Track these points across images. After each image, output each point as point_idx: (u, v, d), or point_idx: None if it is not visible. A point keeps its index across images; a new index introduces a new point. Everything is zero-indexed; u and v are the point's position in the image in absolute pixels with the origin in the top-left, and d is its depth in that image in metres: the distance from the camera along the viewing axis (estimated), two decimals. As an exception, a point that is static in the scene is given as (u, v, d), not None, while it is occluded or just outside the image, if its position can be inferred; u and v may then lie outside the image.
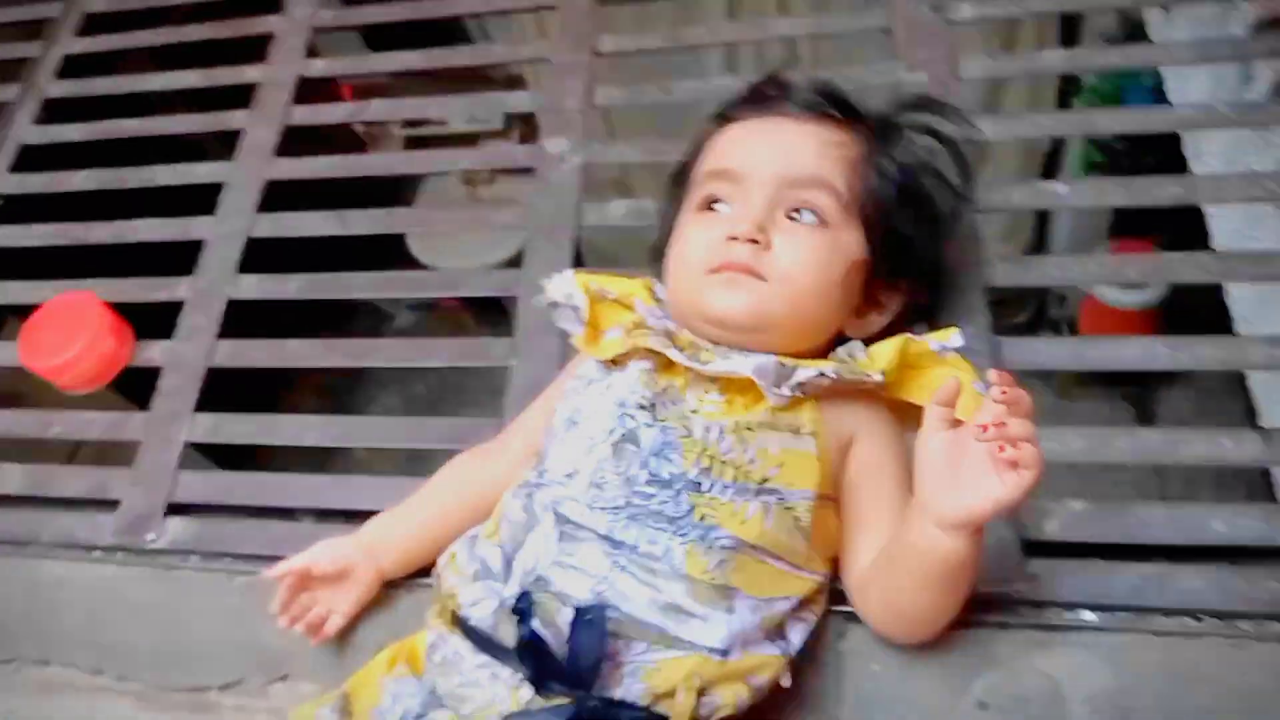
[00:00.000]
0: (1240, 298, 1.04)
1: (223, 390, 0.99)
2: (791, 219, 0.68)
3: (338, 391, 2.97)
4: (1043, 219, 2.40)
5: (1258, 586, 0.69)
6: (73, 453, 1.34)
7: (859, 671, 0.72)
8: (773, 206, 0.68)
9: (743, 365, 0.64)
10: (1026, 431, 0.54)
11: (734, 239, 0.67)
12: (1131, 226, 1.98)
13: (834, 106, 0.72)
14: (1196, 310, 1.30)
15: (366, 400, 2.92)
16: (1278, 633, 0.68)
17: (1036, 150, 2.20)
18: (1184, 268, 0.80)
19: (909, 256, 0.73)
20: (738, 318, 0.67)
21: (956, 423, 0.57)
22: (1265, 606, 0.68)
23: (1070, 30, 1.99)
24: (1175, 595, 0.69)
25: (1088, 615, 0.71)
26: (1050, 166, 2.24)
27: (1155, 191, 0.81)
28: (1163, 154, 1.22)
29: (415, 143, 2.58)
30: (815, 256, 0.67)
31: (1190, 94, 1.09)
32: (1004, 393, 0.54)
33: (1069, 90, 2.01)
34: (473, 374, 0.87)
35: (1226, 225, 1.02)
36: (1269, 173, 0.83)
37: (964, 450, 0.56)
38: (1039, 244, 2.45)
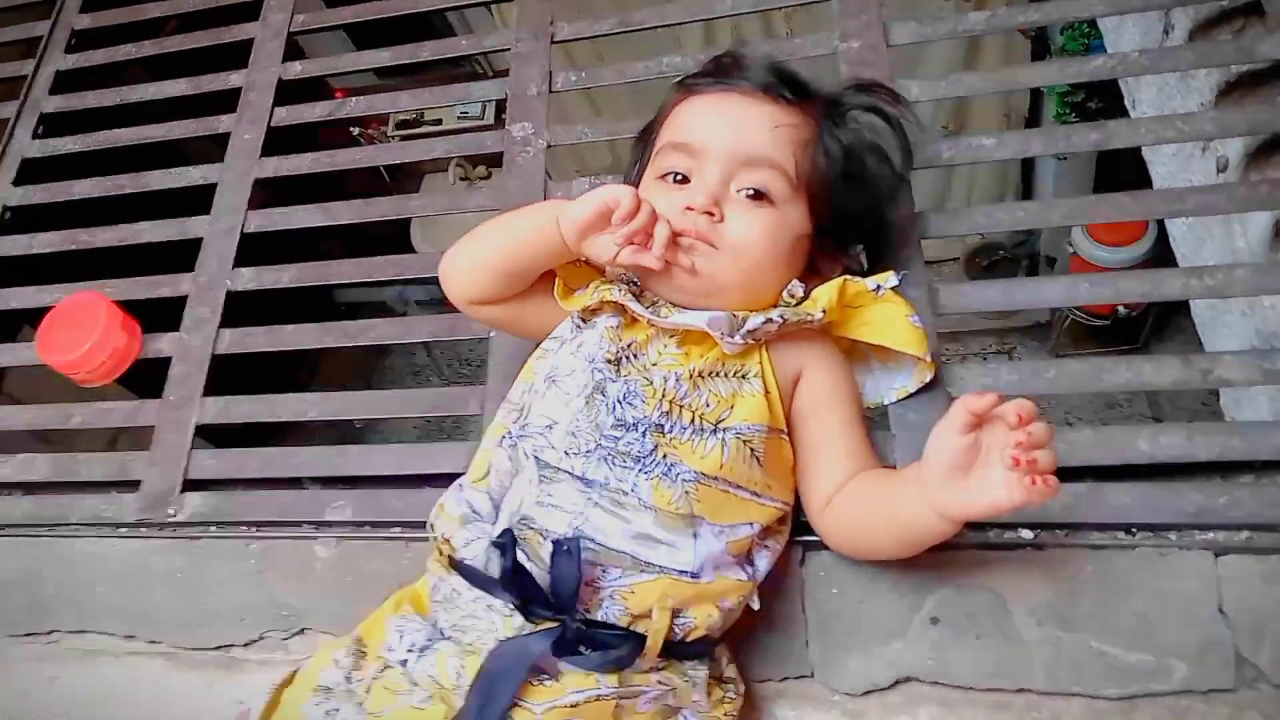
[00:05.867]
0: (1179, 237, 1.08)
1: (250, 381, 1.05)
2: (743, 194, 0.73)
3: (362, 376, 3.18)
4: (1028, 176, 2.46)
5: (1182, 499, 0.74)
6: (111, 443, 1.39)
7: (821, 595, 0.78)
8: (726, 181, 0.73)
9: (697, 319, 0.69)
10: (1051, 460, 0.57)
11: (691, 209, 0.72)
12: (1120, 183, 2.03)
13: (787, 87, 0.76)
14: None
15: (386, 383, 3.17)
16: (1201, 541, 0.73)
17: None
18: (1104, 208, 0.84)
19: (850, 230, 0.78)
20: (691, 282, 0.72)
21: (974, 426, 0.59)
22: (1189, 518, 0.73)
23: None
24: (1106, 511, 0.74)
25: (1026, 533, 0.76)
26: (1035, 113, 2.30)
27: (1074, 139, 0.86)
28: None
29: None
30: (764, 231, 0.72)
31: (1123, 44, 1.12)
32: (1029, 433, 0.56)
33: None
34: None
35: (1163, 169, 1.06)
36: (1183, 114, 0.87)
37: (978, 455, 0.59)
38: (1026, 196, 2.52)
